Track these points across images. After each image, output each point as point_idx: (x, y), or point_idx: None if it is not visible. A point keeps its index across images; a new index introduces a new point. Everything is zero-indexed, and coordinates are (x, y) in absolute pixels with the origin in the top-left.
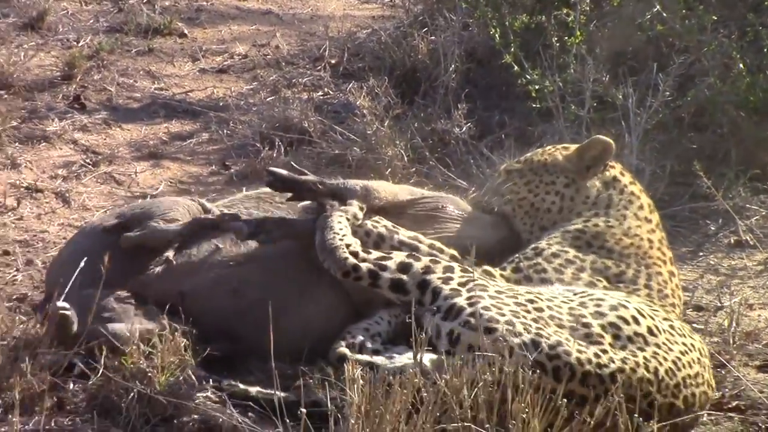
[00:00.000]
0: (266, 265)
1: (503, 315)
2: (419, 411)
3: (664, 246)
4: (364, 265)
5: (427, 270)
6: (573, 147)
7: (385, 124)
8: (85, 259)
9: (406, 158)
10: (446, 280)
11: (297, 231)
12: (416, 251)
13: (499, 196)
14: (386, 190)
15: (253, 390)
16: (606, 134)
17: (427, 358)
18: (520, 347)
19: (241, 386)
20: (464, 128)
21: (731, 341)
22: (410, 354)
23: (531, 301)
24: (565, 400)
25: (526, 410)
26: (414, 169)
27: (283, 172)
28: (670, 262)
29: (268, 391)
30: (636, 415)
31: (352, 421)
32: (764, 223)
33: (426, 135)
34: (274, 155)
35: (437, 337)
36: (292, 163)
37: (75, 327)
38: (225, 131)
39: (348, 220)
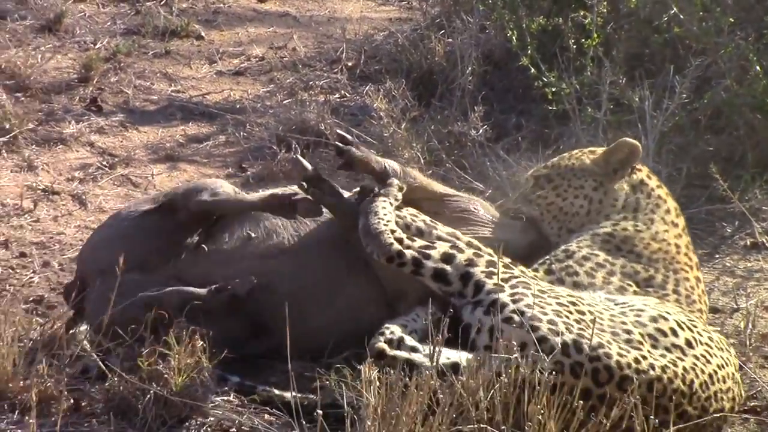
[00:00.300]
0: (297, 259)
1: (546, 314)
2: (435, 412)
3: (690, 251)
4: (408, 252)
5: (471, 262)
6: (600, 150)
7: (402, 126)
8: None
9: (422, 160)
10: (489, 275)
11: (343, 207)
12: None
13: (528, 202)
14: (420, 175)
15: (288, 395)
16: (623, 136)
17: (464, 356)
18: (563, 347)
19: (276, 392)
20: (481, 131)
21: (747, 343)
22: (449, 352)
23: (573, 303)
24: (581, 402)
25: (542, 412)
26: (430, 171)
27: (349, 137)
28: (697, 267)
29: (300, 395)
30: (652, 417)
31: (369, 423)
32: None
33: (442, 137)
34: (291, 158)
35: (478, 332)
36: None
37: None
38: (241, 134)
39: (391, 204)
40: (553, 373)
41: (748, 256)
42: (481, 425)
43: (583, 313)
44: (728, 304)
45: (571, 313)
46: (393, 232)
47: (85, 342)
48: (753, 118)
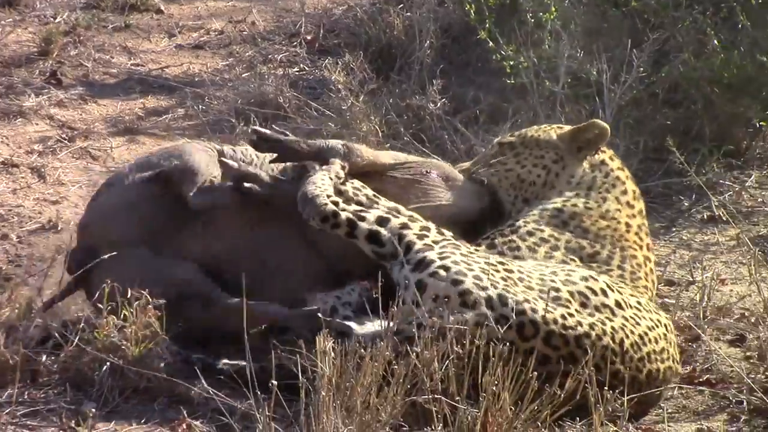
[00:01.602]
0: (280, 228)
1: (472, 270)
2: (390, 383)
3: (642, 232)
4: (343, 214)
5: (405, 226)
6: (568, 128)
7: (360, 99)
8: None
9: (380, 133)
10: (421, 236)
11: (280, 193)
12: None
13: (489, 166)
14: (368, 150)
15: (242, 365)
16: (580, 110)
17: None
18: (487, 301)
19: (230, 363)
20: (439, 104)
21: (703, 316)
22: (381, 322)
23: (501, 263)
24: (535, 373)
25: (497, 383)
26: (388, 144)
27: (267, 131)
28: (647, 248)
29: (252, 368)
30: (606, 388)
31: (323, 393)
32: (737, 198)
33: (401, 111)
34: (249, 131)
35: (405, 288)
36: (274, 126)
37: None
38: (200, 107)
39: (331, 179)
40: (508, 344)
41: (704, 230)
42: (436, 396)
43: (510, 272)
44: (684, 277)
45: (498, 271)
46: (329, 196)
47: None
48: (710, 92)
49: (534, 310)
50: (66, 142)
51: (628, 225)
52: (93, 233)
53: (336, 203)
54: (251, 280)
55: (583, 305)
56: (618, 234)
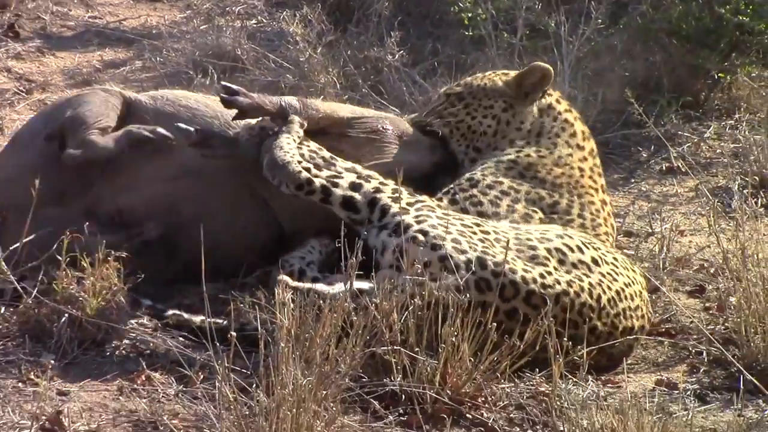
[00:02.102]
0: (200, 181)
1: (450, 233)
2: (349, 335)
3: (596, 174)
4: (317, 180)
5: (377, 190)
6: (513, 73)
7: (318, 51)
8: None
9: (338, 85)
10: (395, 200)
11: (240, 152)
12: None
13: (440, 117)
14: (324, 103)
15: (197, 319)
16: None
17: (366, 284)
18: (466, 264)
19: (186, 316)
20: (397, 56)
21: (662, 267)
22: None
23: (477, 224)
24: (494, 324)
25: (456, 333)
26: (347, 96)
27: (234, 86)
28: (602, 189)
29: (212, 320)
30: (566, 339)
31: (282, 345)
32: (696, 150)
33: (359, 62)
34: (207, 83)
35: (383, 253)
36: (221, 83)
37: None
38: (158, 59)
39: (294, 141)
40: (467, 295)
41: (663, 181)
42: (395, 347)
43: (487, 233)
44: (643, 228)
45: (475, 233)
46: (300, 162)
47: (2, 265)
48: (669, 43)
49: (513, 271)
50: (24, 94)
51: (581, 169)
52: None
53: (308, 169)
54: (168, 231)
55: (561, 262)
56: (573, 180)
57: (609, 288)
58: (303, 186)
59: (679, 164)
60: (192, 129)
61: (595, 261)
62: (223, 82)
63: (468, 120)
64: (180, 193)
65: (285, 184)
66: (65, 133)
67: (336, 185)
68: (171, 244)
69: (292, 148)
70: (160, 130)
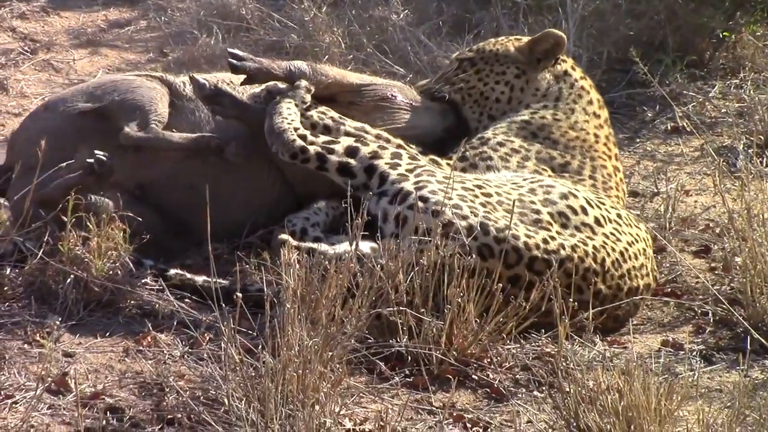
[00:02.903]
0: (219, 159)
1: (450, 198)
2: (355, 296)
3: (610, 142)
4: (312, 148)
5: (375, 155)
6: (525, 39)
7: (323, 10)
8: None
9: (343, 45)
10: (394, 166)
11: (249, 116)
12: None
13: (450, 84)
14: (333, 69)
15: (200, 279)
16: (543, 21)
17: (367, 246)
18: (468, 230)
19: (188, 276)
20: (402, 15)
21: (667, 227)
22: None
23: (479, 187)
24: (500, 285)
25: (462, 294)
26: (351, 56)
27: (242, 53)
28: (616, 158)
29: (214, 280)
30: (572, 300)
31: (288, 306)
32: (701, 109)
33: (363, 22)
34: (212, 42)
35: (384, 221)
36: (229, 49)
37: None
38: (163, 19)
39: (297, 105)
40: (472, 256)
41: (668, 140)
42: (401, 308)
43: (489, 196)
44: (649, 188)
45: (476, 196)
46: (296, 129)
47: (8, 224)
48: (673, 2)
49: (515, 237)
50: (28, 54)
51: (596, 136)
52: (14, 153)
53: (304, 137)
54: (183, 207)
55: (564, 226)
56: (587, 145)
57: (613, 249)
58: (297, 155)
59: (684, 124)
60: (206, 83)
61: (598, 221)
62: (230, 49)
63: (480, 86)
64: (199, 171)
65: (281, 153)
66: (113, 116)
67: (332, 152)
68: (190, 218)
69: (291, 114)
70: (231, 148)
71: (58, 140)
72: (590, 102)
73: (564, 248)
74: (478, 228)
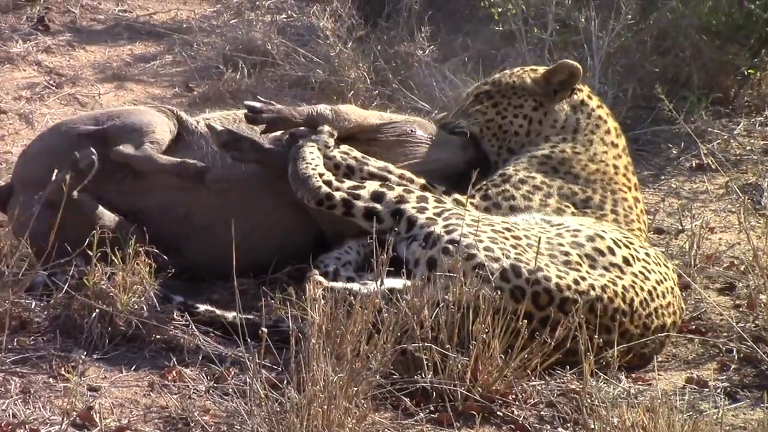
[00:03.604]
0: (219, 194)
1: (481, 241)
2: (380, 331)
3: (629, 172)
4: (337, 194)
5: (401, 199)
6: (541, 70)
7: (348, 46)
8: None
9: (368, 81)
10: (421, 210)
11: (270, 159)
12: (386, 181)
13: (467, 117)
14: (355, 112)
15: (230, 316)
16: (569, 57)
17: (397, 282)
18: (501, 273)
19: (218, 312)
20: (427, 51)
21: (692, 264)
22: (387, 279)
23: (508, 230)
24: (525, 321)
25: (487, 331)
26: (377, 91)
27: (258, 103)
28: (635, 188)
29: (244, 316)
30: (597, 337)
31: (313, 341)
32: (726, 146)
33: (389, 57)
34: (238, 77)
35: (416, 265)
36: (245, 102)
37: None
38: (188, 53)
39: (319, 149)
40: (497, 292)
41: (693, 178)
42: (426, 344)
43: (519, 238)
44: (673, 225)
45: (507, 238)
46: (321, 175)
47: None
48: (698, 39)
49: (547, 278)
50: (54, 88)
51: (615, 167)
52: (16, 172)
53: (329, 183)
54: (176, 235)
55: (592, 267)
56: (607, 177)
57: (641, 289)
58: (323, 201)
59: (709, 161)
60: (224, 129)
61: (626, 261)
62: (247, 102)
63: (498, 119)
64: (195, 202)
65: (306, 199)
66: (113, 137)
67: (358, 197)
68: (182, 251)
69: (315, 158)
70: (214, 173)
71: (55, 159)
72: (608, 131)
73: (594, 289)
74: (510, 270)
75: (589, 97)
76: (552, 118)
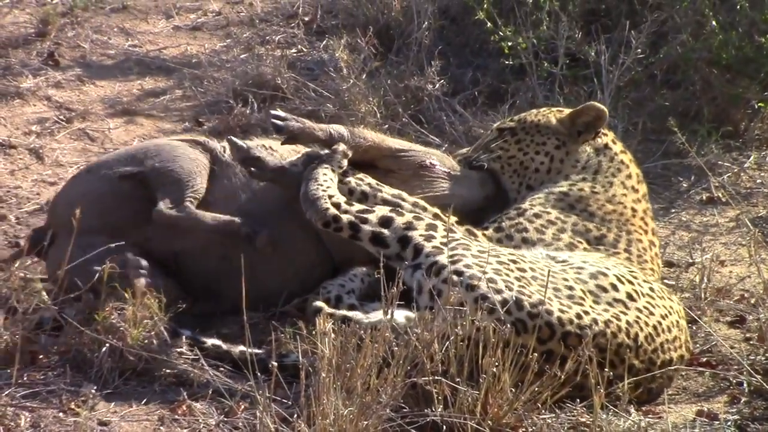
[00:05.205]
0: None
1: (485, 273)
2: (390, 365)
3: (648, 217)
4: (345, 217)
5: (409, 226)
6: (567, 111)
7: (358, 80)
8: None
9: (379, 115)
10: (428, 238)
11: (285, 179)
12: (399, 209)
13: (489, 152)
14: (372, 133)
15: (237, 350)
16: (579, 91)
17: (403, 314)
18: (502, 305)
19: (225, 347)
20: (437, 85)
21: (702, 297)
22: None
23: (513, 261)
24: (536, 355)
25: (497, 365)
26: (387, 125)
27: (282, 114)
28: (652, 232)
29: (252, 350)
30: (606, 370)
31: (323, 375)
32: (736, 179)
33: (399, 92)
34: (248, 112)
35: (419, 293)
36: (271, 111)
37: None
38: (198, 88)
39: (333, 171)
40: (508, 326)
41: (703, 211)
42: (436, 377)
43: (524, 271)
44: (683, 258)
45: (511, 270)
46: (331, 197)
47: (43, 294)
48: (709, 72)
49: (549, 312)
50: (64, 123)
51: (633, 210)
52: (56, 216)
53: (338, 205)
54: (216, 276)
55: (596, 302)
56: (624, 218)
57: (646, 324)
58: (330, 223)
59: (720, 194)
60: (244, 145)
61: (630, 296)
62: (273, 111)
63: (520, 156)
64: (233, 244)
65: (313, 219)
66: (150, 184)
67: (365, 221)
68: (221, 291)
69: (327, 180)
70: (262, 238)
71: (97, 204)
72: (629, 176)
73: (597, 323)
74: (513, 302)
75: (614, 142)
76: (574, 158)
